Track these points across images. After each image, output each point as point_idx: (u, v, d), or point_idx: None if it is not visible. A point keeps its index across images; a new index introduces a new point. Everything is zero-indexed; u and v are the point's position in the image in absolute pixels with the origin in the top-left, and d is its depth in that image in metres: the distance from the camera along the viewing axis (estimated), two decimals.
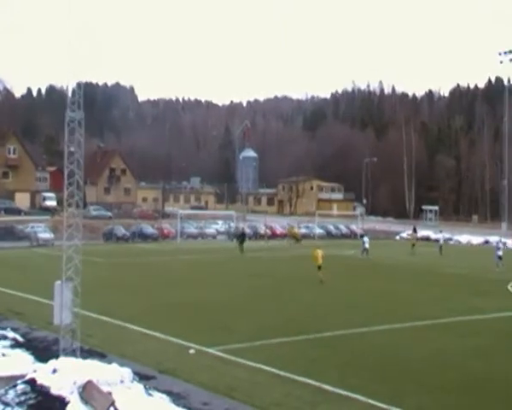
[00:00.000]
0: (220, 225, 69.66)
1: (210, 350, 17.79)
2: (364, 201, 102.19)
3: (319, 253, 32.96)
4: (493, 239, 67.75)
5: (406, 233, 73.87)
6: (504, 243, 51.15)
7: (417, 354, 18.18)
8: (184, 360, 16.75)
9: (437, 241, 57.60)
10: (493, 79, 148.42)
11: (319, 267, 32.34)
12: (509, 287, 32.77)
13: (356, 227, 74.80)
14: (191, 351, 17.63)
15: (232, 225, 65.05)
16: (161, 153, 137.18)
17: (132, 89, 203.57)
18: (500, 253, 42.98)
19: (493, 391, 14.95)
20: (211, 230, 66.63)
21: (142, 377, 14.49)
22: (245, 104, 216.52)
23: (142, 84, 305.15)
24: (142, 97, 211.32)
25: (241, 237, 51.06)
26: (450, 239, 69.89)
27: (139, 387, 13.48)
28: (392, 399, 13.84)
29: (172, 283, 31.74)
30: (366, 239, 50.52)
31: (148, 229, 61.38)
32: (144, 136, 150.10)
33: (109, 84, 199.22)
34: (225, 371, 15.91)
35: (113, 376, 13.20)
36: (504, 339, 20.80)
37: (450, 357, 17.99)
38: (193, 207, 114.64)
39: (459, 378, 15.88)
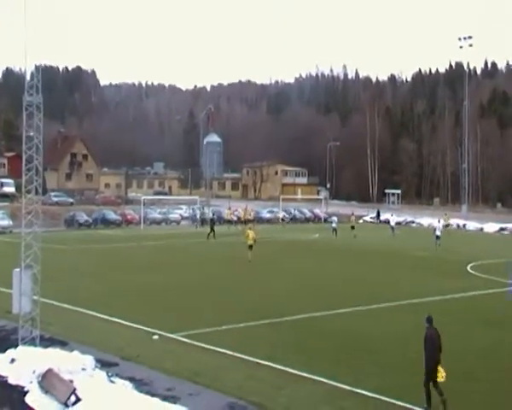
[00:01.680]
0: (184, 211, 69.27)
1: (174, 336, 17.74)
2: (328, 185, 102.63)
3: (250, 233, 34.46)
4: (454, 220, 69.05)
5: (370, 216, 74.69)
6: (445, 225, 54.01)
7: (380, 336, 18.41)
8: (148, 346, 16.68)
9: (388, 223, 59.32)
10: (454, 64, 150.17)
11: (250, 247, 33.82)
12: (468, 268, 33.38)
13: (320, 211, 75.17)
14: (155, 337, 17.55)
15: (197, 210, 64.67)
16: (124, 138, 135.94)
17: (94, 73, 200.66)
18: (438, 233, 44.92)
19: (451, 369, 15.19)
20: (175, 215, 66.20)
21: (104, 365, 14.38)
22: (209, 88, 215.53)
23: (105, 69, 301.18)
24: (104, 81, 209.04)
25: (211, 221, 51.09)
26: (413, 222, 70.83)
27: (101, 374, 13.38)
28: (355, 380, 14.03)
29: (136, 269, 31.49)
30: (334, 219, 53.17)
31: (111, 215, 60.71)
32: (107, 121, 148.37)
33: (70, 68, 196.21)
34: (189, 357, 15.90)
35: (74, 364, 13.06)
36: (463, 318, 21.21)
37: (411, 338, 18.20)
38: (156, 193, 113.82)
39: (420, 359, 16.08)
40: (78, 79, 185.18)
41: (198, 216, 63.03)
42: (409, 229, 65.31)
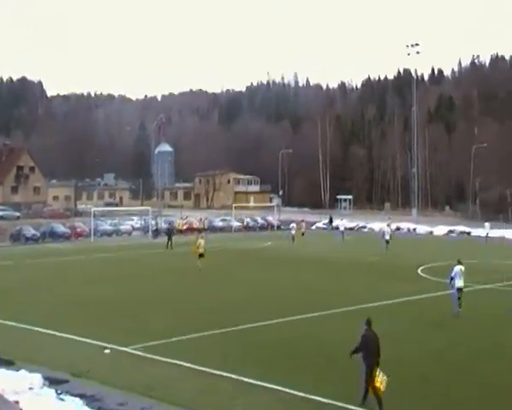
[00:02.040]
0: (135, 222, 68.50)
1: (126, 349, 17.39)
2: (280, 192, 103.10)
3: (201, 242, 34.96)
4: (404, 224, 70.13)
5: (322, 223, 75.21)
6: (393, 229, 55.21)
7: (334, 342, 18.40)
8: (99, 361, 16.31)
9: (337, 228, 60.43)
10: (402, 71, 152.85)
11: (200, 255, 34.17)
12: (419, 271, 33.84)
13: (272, 219, 75.34)
14: (106, 351, 17.17)
15: (152, 221, 63.89)
16: (73, 149, 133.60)
17: (41, 84, 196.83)
18: (387, 237, 45.84)
19: (405, 372, 15.33)
20: (126, 226, 65.40)
21: (53, 382, 13.97)
22: (160, 98, 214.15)
23: (52, 79, 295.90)
24: (51, 92, 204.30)
25: (168, 232, 50.59)
26: (364, 227, 71.61)
27: (50, 392, 12.99)
28: (312, 387, 13.97)
29: (85, 282, 30.87)
30: (293, 225, 54.02)
31: (60, 228, 59.44)
32: (55, 132, 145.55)
33: (15, 78, 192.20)
34: (142, 370, 15.61)
35: (20, 383, 12.63)
36: (414, 322, 21.43)
37: None
38: (107, 204, 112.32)
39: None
40: (24, 90, 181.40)
41: (154, 227, 62.34)
42: (360, 234, 66.01)
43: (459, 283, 22.28)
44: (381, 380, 12.27)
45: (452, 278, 22.47)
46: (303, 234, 55.00)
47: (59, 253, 46.12)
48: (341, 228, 58.48)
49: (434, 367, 15.90)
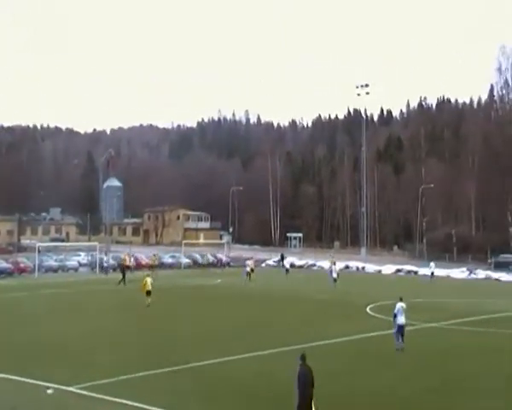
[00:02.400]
0: (82, 257, 67.14)
1: (70, 388, 16.86)
2: (231, 229, 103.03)
3: (148, 280, 35.19)
4: (353, 263, 70.77)
5: (272, 260, 75.23)
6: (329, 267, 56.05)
7: (283, 379, 18.15)
8: (42, 402, 15.74)
9: (284, 266, 61.82)
10: (352, 111, 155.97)
11: (148, 293, 34.29)
12: (367, 309, 34.05)
13: (222, 256, 75.01)
14: (49, 391, 16.55)
15: (104, 256, 62.65)
16: (18, 182, 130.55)
17: None
18: (335, 275, 47.52)
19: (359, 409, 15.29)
20: (72, 262, 64.01)
21: None
22: (109, 132, 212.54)
23: None
24: None
25: (122, 267, 50.17)
26: (314, 265, 71.97)
27: None
28: None
29: (28, 320, 29.92)
30: (248, 262, 54.02)
31: (2, 264, 57.59)
32: None
33: None
34: (88, 409, 15.08)
35: None
36: (363, 359, 21.48)
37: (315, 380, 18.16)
38: (53, 240, 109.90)
39: (323, 400, 15.98)
40: None
41: (106, 263, 61.01)
42: (310, 272, 66.26)
43: (401, 319, 22.87)
44: None
45: (395, 315, 23.01)
46: (252, 271, 54.95)
47: (0, 289, 44.64)
48: (287, 265, 59.27)
49: (384, 404, 15.88)
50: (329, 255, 67.21)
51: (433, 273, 58.67)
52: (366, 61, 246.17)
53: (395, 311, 23.06)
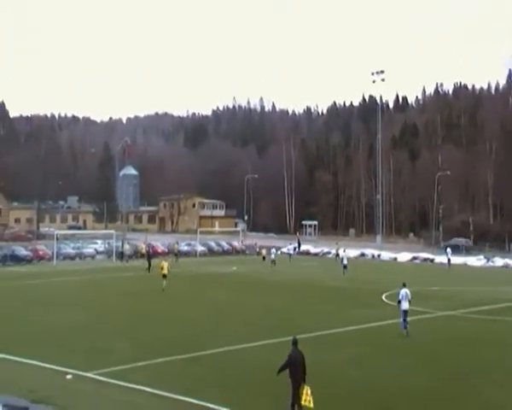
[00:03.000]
0: (99, 245, 67.60)
1: (88, 374, 17.07)
2: (246, 217, 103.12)
3: (164, 264, 36.89)
4: (369, 250, 70.71)
5: (286, 248, 75.32)
6: (335, 254, 59.31)
7: None
8: (61, 387, 15.96)
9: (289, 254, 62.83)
10: (367, 98, 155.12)
11: (164, 276, 35.86)
12: (383, 297, 34.05)
13: (237, 243, 75.18)
14: (68, 376, 16.80)
15: (126, 245, 62.98)
16: (36, 171, 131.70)
17: (3, 104, 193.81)
18: (345, 262, 48.23)
19: (368, 398, 15.35)
20: (89, 250, 64.51)
21: (13, 409, 13.56)
22: (125, 121, 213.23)
23: (15, 100, 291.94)
24: (14, 113, 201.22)
25: (148, 255, 50.71)
26: (329, 253, 71.98)
27: None
28: None
29: (47, 306, 30.29)
30: (273, 250, 55.15)
31: (22, 251, 58.32)
32: (17, 154, 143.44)
33: None
34: (105, 395, 15.37)
35: None
36: (378, 347, 21.55)
37: (328, 368, 18.32)
38: (70, 227, 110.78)
39: (336, 388, 16.20)
40: None
41: (126, 250, 61.12)
42: (325, 260, 66.26)
43: (405, 305, 23.29)
44: (306, 398, 12.58)
45: (399, 301, 23.44)
46: (264, 258, 55.90)
47: (20, 276, 45.21)
48: (290, 251, 59.67)
49: (396, 393, 15.94)
50: (335, 243, 67.40)
51: (449, 260, 58.53)
52: (381, 48, 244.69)
53: (399, 297, 23.50)
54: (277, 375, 13.25)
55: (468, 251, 75.44)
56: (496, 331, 25.27)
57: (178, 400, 14.86)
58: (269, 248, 59.22)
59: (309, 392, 12.59)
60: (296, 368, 12.81)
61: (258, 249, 64.86)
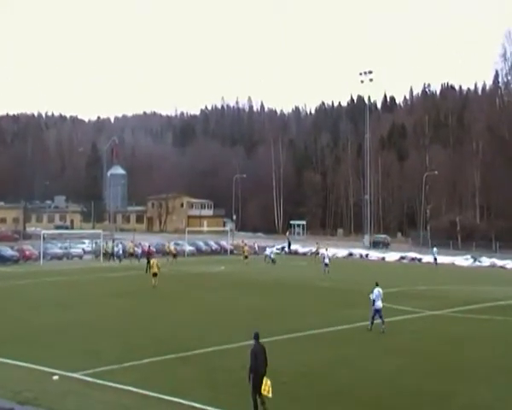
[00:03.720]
0: (87, 245, 67.25)
1: (75, 375, 16.95)
2: (234, 217, 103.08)
3: (154, 262, 38.44)
4: (357, 250, 70.85)
5: (275, 248, 75.25)
6: (315, 252, 61.01)
7: (288, 366, 18.31)
8: (47, 388, 15.82)
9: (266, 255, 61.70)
10: (355, 98, 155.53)
11: (155, 275, 37.05)
12: (371, 297, 33.98)
13: (226, 243, 75.09)
14: (54, 377, 16.67)
15: (119, 244, 62.64)
16: (23, 171, 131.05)
17: None
18: (327, 260, 49.14)
19: (358, 397, 15.35)
20: (77, 250, 64.15)
21: None
22: (113, 120, 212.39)
23: (0, 98, 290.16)
24: (0, 112, 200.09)
25: (148, 255, 50.32)
26: (318, 253, 71.99)
27: None
28: None
29: (34, 306, 30.05)
30: (273, 249, 58.11)
31: (7, 251, 57.79)
32: (4, 153, 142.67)
33: None
34: (92, 396, 15.23)
35: None
36: (367, 347, 21.58)
37: (318, 368, 18.33)
38: (57, 227, 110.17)
39: (326, 388, 16.19)
40: None
41: (120, 250, 60.36)
42: (313, 260, 66.22)
43: (378, 304, 24.03)
44: (266, 388, 13.27)
45: (374, 301, 24.12)
46: (246, 257, 56.24)
47: (6, 276, 44.83)
48: (267, 252, 59.69)
49: (386, 392, 15.97)
50: (315, 243, 68.10)
51: (436, 259, 58.87)
52: (369, 48, 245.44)
53: (373, 296, 24.16)
54: (248, 381, 13.58)
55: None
56: (483, 330, 25.42)
57: (166, 400, 14.79)
58: (263, 248, 60.10)
59: (268, 383, 13.23)
60: (259, 362, 13.47)
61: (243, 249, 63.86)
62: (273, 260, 55.42)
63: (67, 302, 31.72)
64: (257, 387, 13.32)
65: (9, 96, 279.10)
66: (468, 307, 31.03)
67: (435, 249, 61.36)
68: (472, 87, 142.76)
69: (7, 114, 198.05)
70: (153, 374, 17.26)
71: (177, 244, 70.79)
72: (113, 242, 64.41)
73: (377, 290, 24.32)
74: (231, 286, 40.20)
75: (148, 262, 47.35)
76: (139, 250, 61.60)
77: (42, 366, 17.77)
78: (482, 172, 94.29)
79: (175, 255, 57.92)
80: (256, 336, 14.02)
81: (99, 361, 18.37)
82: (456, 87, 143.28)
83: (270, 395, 13.29)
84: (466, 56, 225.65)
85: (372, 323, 23.98)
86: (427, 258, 63.51)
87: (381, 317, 23.87)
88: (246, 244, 61.69)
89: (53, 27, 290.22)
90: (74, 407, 14.17)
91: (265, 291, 37.50)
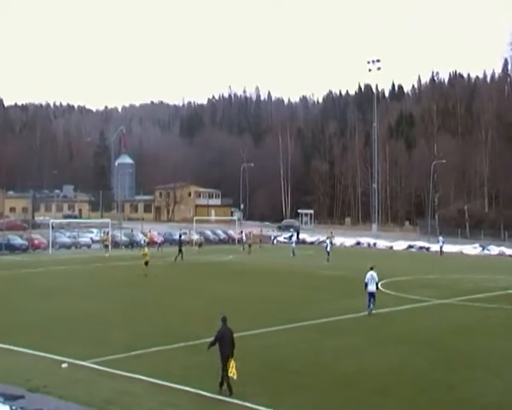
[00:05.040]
0: (95, 234, 67.45)
1: (84, 363, 17.04)
2: (242, 206, 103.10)
3: (146, 251, 38.66)
4: (364, 239, 70.81)
5: (283, 237, 75.36)
6: (331, 242, 58.56)
7: (294, 355, 18.39)
8: (56, 376, 15.91)
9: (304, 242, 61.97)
10: (363, 86, 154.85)
11: (146, 263, 37.28)
12: (379, 286, 34.03)
13: (233, 232, 75.14)
14: (64, 365, 16.76)
15: (140, 234, 62.97)
16: (31, 160, 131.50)
17: None
18: (328, 249, 50.03)
19: (365, 386, 15.38)
20: (85, 239, 64.35)
21: (8, 398, 13.58)
22: (120, 110, 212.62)
23: (9, 89, 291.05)
24: (8, 102, 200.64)
25: (179, 243, 51.12)
26: (324, 242, 72.01)
27: (5, 409, 12.60)
28: (268, 400, 13.92)
29: (43, 295, 30.23)
30: (294, 239, 58.23)
31: (17, 240, 58.12)
32: (12, 143, 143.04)
33: None
34: (101, 384, 15.31)
35: None
36: (374, 335, 21.58)
37: (324, 357, 18.37)
38: (66, 216, 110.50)
39: (333, 377, 16.22)
40: None
41: (142, 241, 59.98)
42: (321, 248, 66.22)
43: (371, 287, 24.72)
44: (232, 370, 14.09)
45: (366, 284, 24.80)
46: (250, 246, 56.53)
47: (15, 265, 45.11)
48: (292, 244, 58.67)
49: (392, 382, 15.96)
50: (330, 232, 67.87)
51: (441, 247, 58.81)
52: (377, 37, 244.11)
53: (366, 279, 24.81)
54: (207, 350, 14.82)
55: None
56: (492, 319, 25.38)
57: (175, 388, 14.86)
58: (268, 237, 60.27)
59: (233, 364, 14.07)
60: (225, 344, 14.33)
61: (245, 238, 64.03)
62: (293, 252, 53.87)
63: (76, 291, 31.89)
64: (224, 367, 14.17)
65: (18, 87, 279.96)
66: (476, 295, 30.99)
67: (441, 238, 61.23)
68: (481, 75, 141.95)
69: (15, 104, 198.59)
70: (161, 362, 17.35)
71: (184, 234, 70.96)
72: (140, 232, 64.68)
73: (370, 274, 24.89)
74: (239, 275, 40.30)
75: (180, 251, 48.53)
76: (160, 238, 62.18)
77: (51, 353, 17.88)
78: (491, 160, 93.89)
79: (200, 245, 59.33)
80: (224, 320, 14.91)
81: (108, 349, 18.47)
82: (465, 75, 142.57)
83: (235, 376, 14.00)
84: (474, 44, 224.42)
85: (370, 306, 24.46)
86: (436, 247, 63.40)
87: (374, 300, 24.55)
88: (298, 233, 62.74)
89: (62, 17, 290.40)
90: (84, 395, 14.24)
91: (273, 280, 37.53)
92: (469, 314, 26.52)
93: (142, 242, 58.13)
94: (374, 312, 25.21)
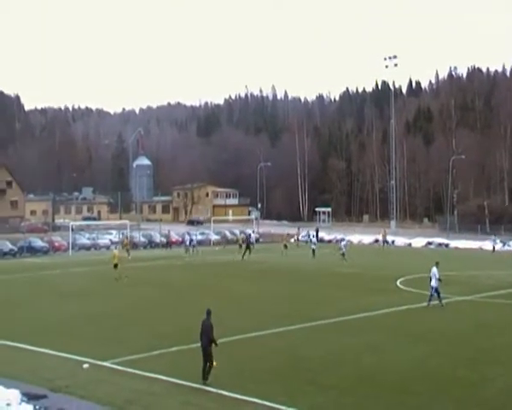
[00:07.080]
0: (114, 235, 67.89)
1: (105, 363, 17.21)
2: (259, 205, 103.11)
3: (116, 253, 38.07)
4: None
5: (301, 236, 75.14)
6: (347, 240, 59.24)
7: (313, 354, 18.39)
8: (78, 376, 16.10)
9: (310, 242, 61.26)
10: (380, 83, 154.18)
11: (115, 266, 36.43)
12: (397, 283, 33.95)
13: (251, 232, 75.07)
14: (85, 366, 16.95)
15: (190, 234, 63.06)
16: (51, 163, 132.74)
17: (18, 98, 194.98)
18: (343, 250, 47.55)
19: (385, 383, 15.34)
20: (104, 240, 64.81)
21: (31, 398, 13.76)
22: (138, 111, 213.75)
23: (29, 93, 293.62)
24: (28, 106, 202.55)
25: (247, 242, 52.08)
26: (343, 240, 71.78)
27: (28, 408, 12.77)
28: (288, 399, 13.97)
29: (64, 297, 30.48)
30: (344, 242, 52.52)
31: (38, 242, 58.75)
32: (32, 146, 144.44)
33: None
34: (122, 384, 15.45)
35: None
36: (393, 333, 21.50)
37: (344, 355, 18.35)
38: (85, 218, 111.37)
39: (353, 375, 16.20)
40: (1, 105, 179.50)
41: (193, 241, 59.15)
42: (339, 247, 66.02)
43: (432, 282, 25.90)
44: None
45: (430, 278, 26.11)
46: (286, 247, 55.16)
47: (37, 267, 45.55)
48: (342, 243, 56.32)
49: (412, 378, 15.92)
50: (383, 231, 67.55)
51: (494, 247, 58.51)
52: (393, 33, 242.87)
53: (430, 274, 26.38)
54: (216, 345, 15.61)
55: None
56: None
57: (195, 388, 14.95)
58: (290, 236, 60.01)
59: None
60: (202, 334, 15.51)
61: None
62: (313, 252, 51.25)
63: (96, 292, 32.16)
64: (208, 357, 15.25)
65: (37, 91, 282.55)
66: (497, 292, 30.74)
67: (494, 237, 61.39)
68: (500, 69, 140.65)
69: (35, 108, 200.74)
70: (181, 362, 17.45)
71: (202, 234, 71.08)
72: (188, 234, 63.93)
73: (433, 270, 26.19)
74: (258, 274, 40.32)
75: (248, 248, 49.76)
76: (194, 239, 60.40)
77: (72, 354, 18.08)
78: (511, 154, 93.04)
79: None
80: (208, 313, 15.96)
81: (128, 350, 18.61)
82: (484, 69, 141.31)
83: (213, 364, 15.20)
84: (493, 38, 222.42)
85: (440, 299, 25.76)
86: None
87: (435, 294, 25.76)
88: (288, 233, 62.61)
89: (80, 22, 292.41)
90: (105, 395, 14.39)
91: (292, 278, 37.46)
92: (491, 311, 26.28)
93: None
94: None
